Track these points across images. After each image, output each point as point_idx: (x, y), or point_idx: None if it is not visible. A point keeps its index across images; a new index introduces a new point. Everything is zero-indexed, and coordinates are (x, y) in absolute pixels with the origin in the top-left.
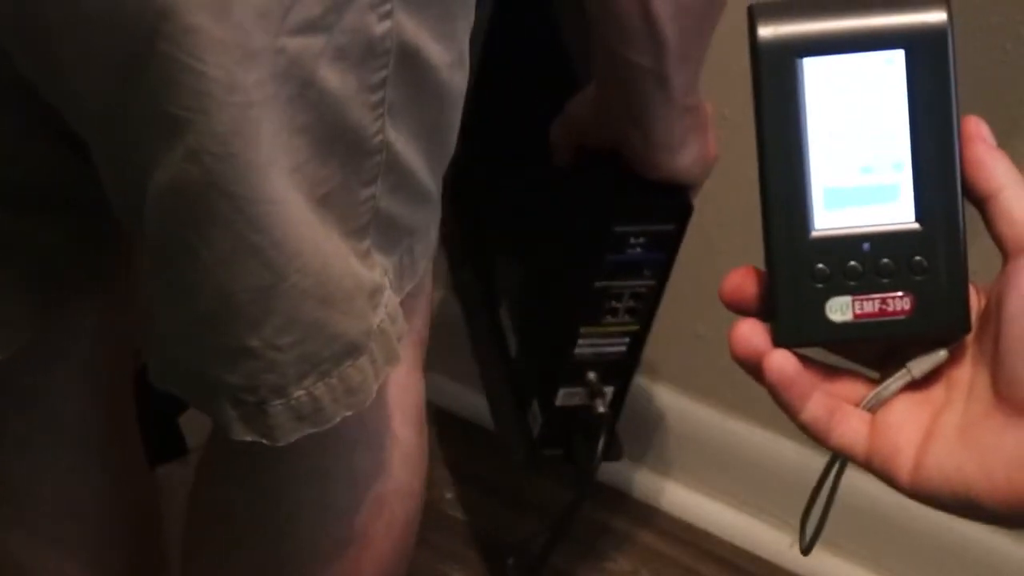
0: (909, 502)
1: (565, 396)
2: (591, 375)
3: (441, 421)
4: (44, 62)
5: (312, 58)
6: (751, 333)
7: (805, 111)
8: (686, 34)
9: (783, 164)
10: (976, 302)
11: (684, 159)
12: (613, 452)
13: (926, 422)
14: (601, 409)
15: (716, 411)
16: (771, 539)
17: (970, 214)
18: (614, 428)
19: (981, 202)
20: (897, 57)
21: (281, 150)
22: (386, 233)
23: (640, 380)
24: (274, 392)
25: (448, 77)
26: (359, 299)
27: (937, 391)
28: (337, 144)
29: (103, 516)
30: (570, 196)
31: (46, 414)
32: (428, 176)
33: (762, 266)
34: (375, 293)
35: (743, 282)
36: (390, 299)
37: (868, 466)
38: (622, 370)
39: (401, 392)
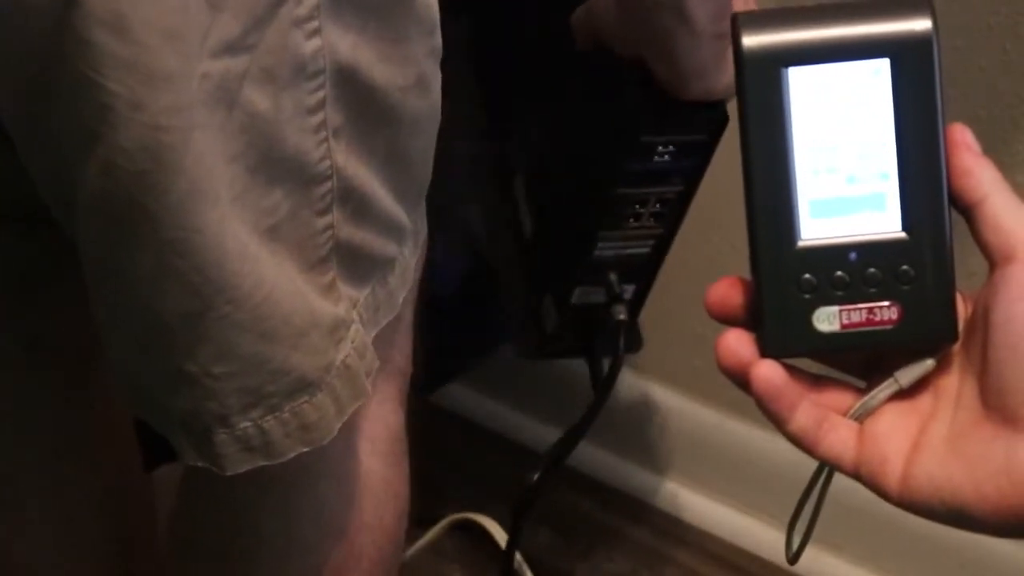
0: None
1: (581, 294)
2: (612, 276)
3: (438, 421)
4: None
5: (236, 80)
6: (738, 344)
7: (790, 121)
8: None
9: (768, 174)
10: (963, 311)
11: (718, 83)
12: (634, 343)
13: (914, 432)
14: (621, 316)
15: (716, 411)
16: (771, 539)
17: (956, 223)
18: (635, 324)
19: (967, 210)
20: (882, 66)
21: (216, 179)
22: (352, 265)
23: (640, 380)
24: (218, 421)
25: (400, 100)
26: (314, 335)
27: (925, 400)
28: (277, 171)
29: (99, 520)
30: (596, 94)
31: (39, 420)
32: (394, 204)
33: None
34: (337, 328)
35: (729, 292)
36: (357, 333)
37: (856, 476)
38: (644, 271)
39: (371, 424)
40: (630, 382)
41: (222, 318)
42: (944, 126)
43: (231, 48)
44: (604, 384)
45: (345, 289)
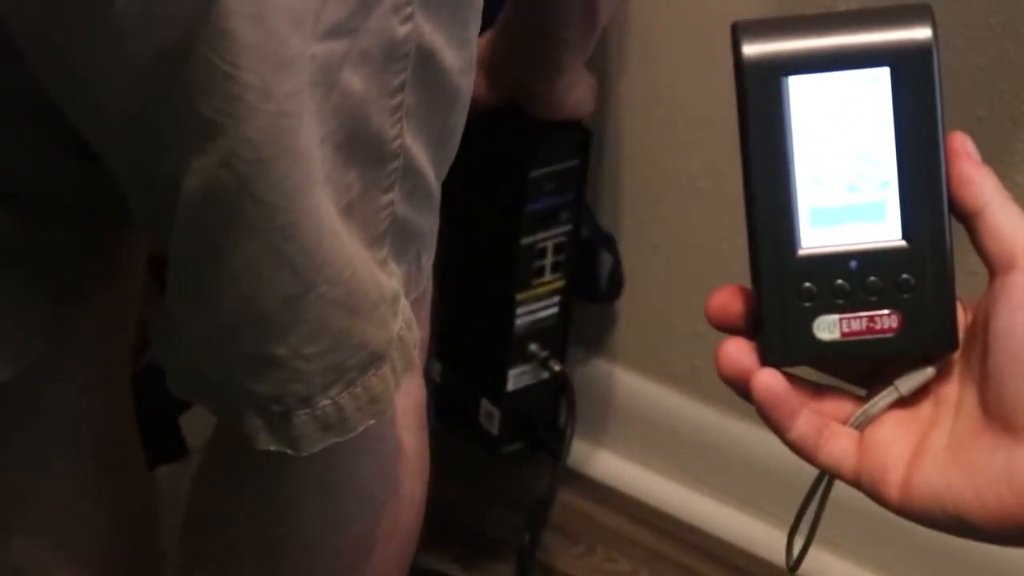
0: None
1: (516, 378)
2: (533, 347)
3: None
4: (66, 70)
5: (337, 63)
6: (738, 352)
7: (791, 129)
8: (609, 11)
9: (769, 183)
10: (963, 319)
11: (578, 95)
12: (574, 409)
13: (914, 440)
14: (556, 368)
15: (716, 411)
16: (771, 539)
17: (957, 231)
18: (572, 397)
19: (967, 219)
20: (882, 75)
21: (313, 160)
22: (400, 240)
23: (641, 380)
24: (301, 402)
25: (459, 82)
26: (383, 307)
27: (925, 408)
28: (359, 150)
29: (104, 520)
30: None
31: (47, 421)
32: (435, 181)
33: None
34: (395, 300)
35: (729, 301)
36: (405, 307)
37: (857, 484)
38: (558, 335)
39: (403, 398)
40: (631, 382)
41: (320, 297)
42: (944, 134)
43: (337, 31)
44: (555, 472)
45: (392, 264)
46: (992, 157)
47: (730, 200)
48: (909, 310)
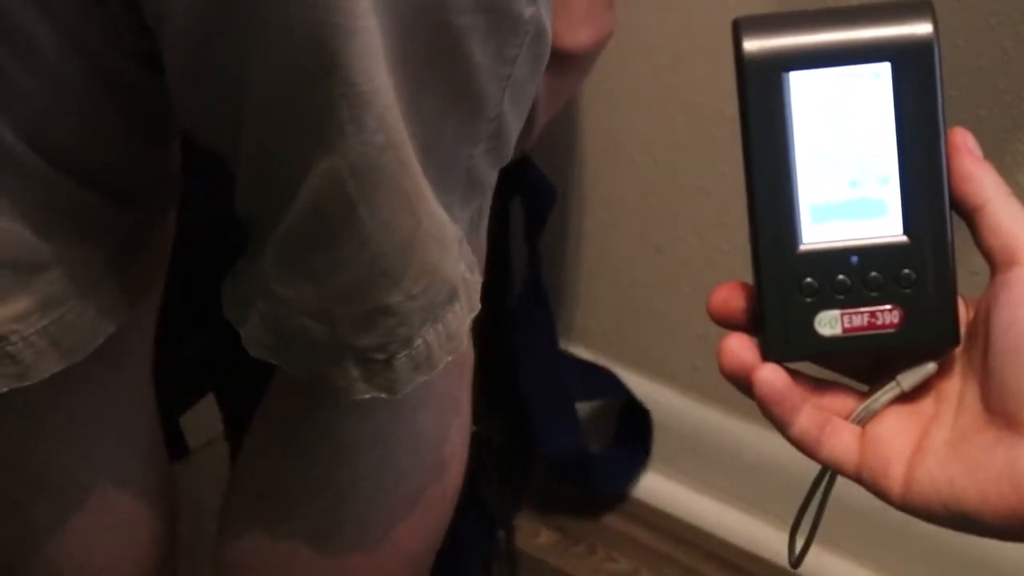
0: None
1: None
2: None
3: None
4: (214, 68)
5: (472, 33)
6: (740, 348)
7: (791, 125)
8: (547, 116)
9: (770, 178)
10: (964, 314)
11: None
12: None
13: (916, 435)
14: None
15: (716, 411)
16: (771, 539)
17: (958, 226)
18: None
19: (968, 214)
20: (883, 70)
21: (404, 98)
22: (468, 190)
23: (641, 380)
24: (402, 344)
25: (547, 56)
26: (454, 246)
27: (927, 404)
28: (462, 106)
29: (135, 509)
30: None
31: (85, 405)
32: (514, 140)
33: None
34: (460, 242)
35: (730, 297)
36: (467, 250)
37: (859, 479)
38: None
39: (461, 354)
40: (631, 382)
41: (424, 230)
42: (945, 130)
43: (472, 6)
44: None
45: (457, 211)
46: (992, 157)
47: (730, 200)
48: (910, 305)
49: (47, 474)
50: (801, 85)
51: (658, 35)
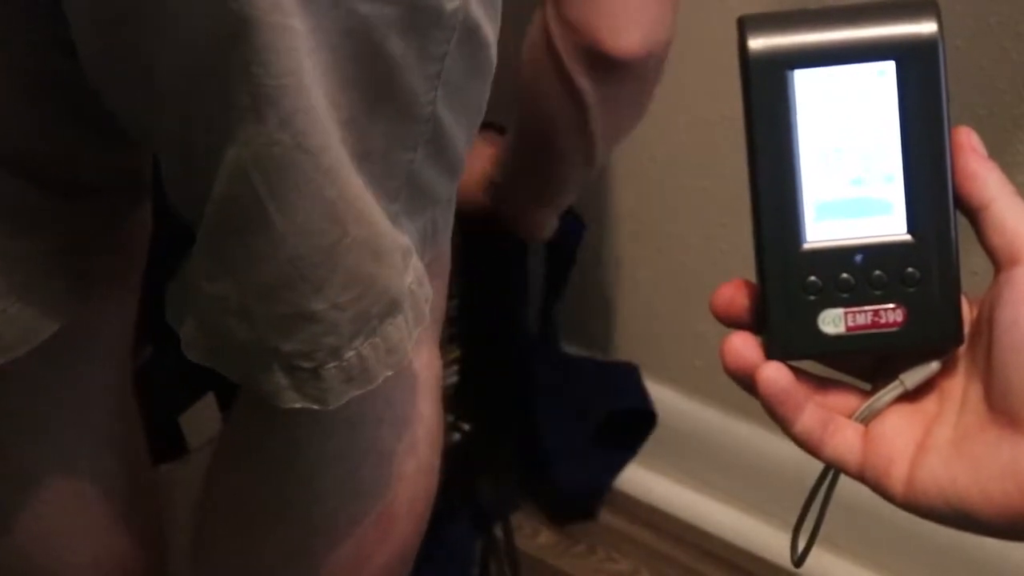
0: None
1: None
2: (447, 418)
3: None
4: (125, 54)
5: (385, 26)
6: (743, 346)
7: (796, 123)
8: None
9: (774, 176)
10: (968, 313)
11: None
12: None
13: (919, 434)
14: (466, 427)
15: (716, 411)
16: (771, 539)
17: (962, 225)
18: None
19: (973, 213)
20: (888, 68)
21: (333, 102)
22: (414, 199)
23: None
24: (331, 355)
25: (492, 55)
26: (397, 256)
27: (930, 403)
28: (388, 106)
29: (110, 505)
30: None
31: (58, 400)
32: (462, 148)
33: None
34: (407, 253)
35: (735, 295)
36: (417, 263)
37: (861, 478)
38: (463, 399)
39: (426, 370)
40: None
41: (353, 239)
42: (950, 129)
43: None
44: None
45: (404, 221)
46: (992, 157)
47: (730, 200)
48: (914, 304)
49: (18, 471)
50: (806, 83)
51: None
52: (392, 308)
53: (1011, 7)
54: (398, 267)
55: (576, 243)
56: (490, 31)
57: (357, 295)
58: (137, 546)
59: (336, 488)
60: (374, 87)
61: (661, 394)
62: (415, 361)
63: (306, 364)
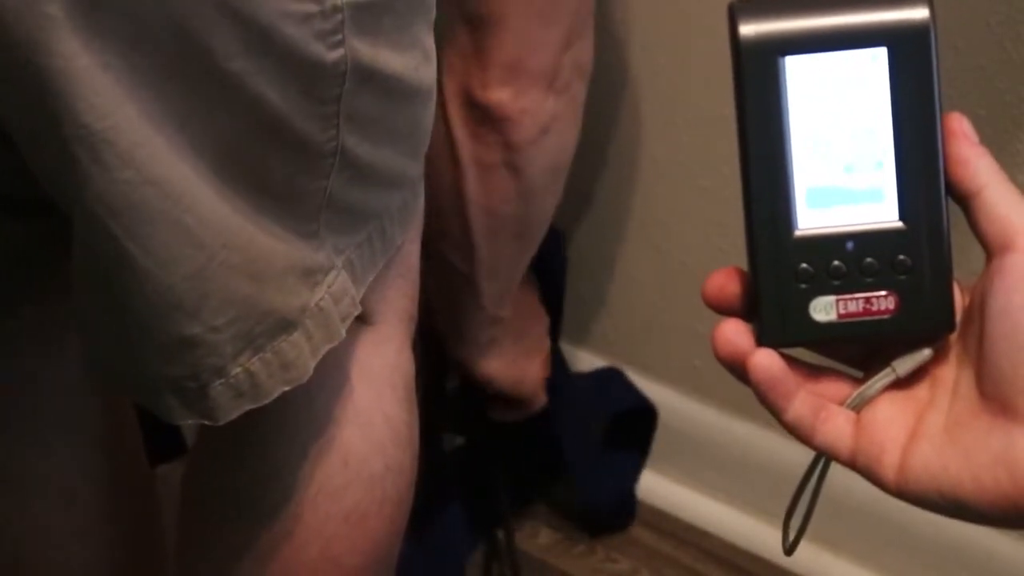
0: None
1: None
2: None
3: None
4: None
5: (259, 80)
6: (734, 333)
7: (787, 110)
8: (497, 251)
9: (765, 163)
10: (960, 300)
11: (489, 366)
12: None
13: (911, 421)
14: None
15: (716, 411)
16: (771, 539)
17: (954, 213)
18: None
19: (964, 200)
20: (880, 55)
21: (198, 136)
22: (343, 216)
23: (641, 380)
24: (214, 374)
25: (415, 77)
26: (291, 276)
27: (922, 390)
28: (276, 142)
29: (103, 505)
30: None
31: (47, 403)
32: (398, 161)
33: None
34: (313, 272)
35: (726, 282)
36: (335, 279)
37: (853, 465)
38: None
39: (390, 370)
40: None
41: (221, 263)
42: (941, 115)
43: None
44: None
45: (331, 238)
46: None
47: (730, 200)
48: (906, 291)
49: (8, 472)
50: (797, 70)
51: (658, 35)
52: (283, 327)
53: (1011, 7)
54: (290, 287)
55: (559, 257)
56: (399, 63)
57: (234, 317)
58: (130, 547)
59: (301, 488)
60: (256, 128)
61: (661, 394)
62: (377, 361)
63: (192, 384)
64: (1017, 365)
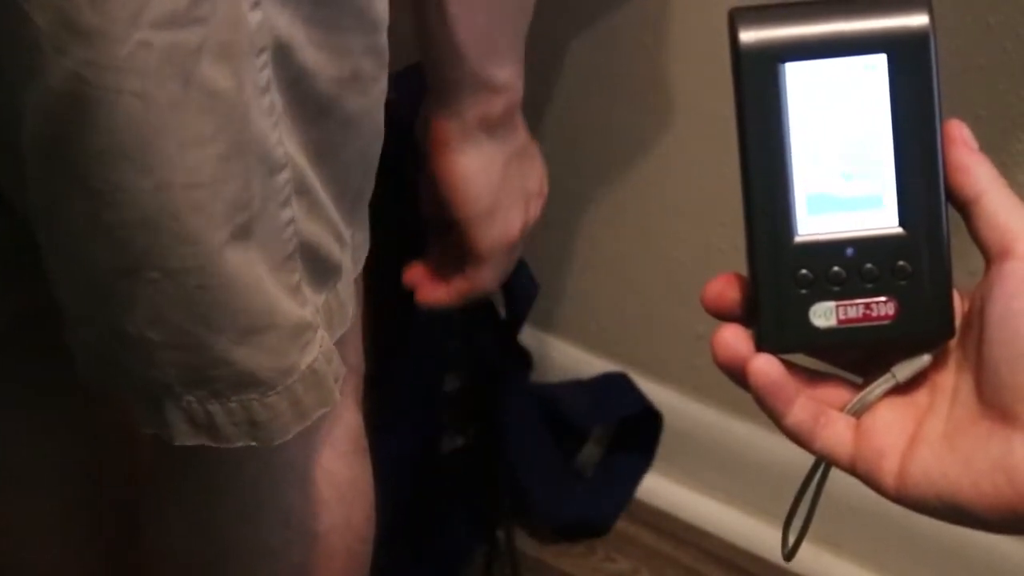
0: None
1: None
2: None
3: None
4: None
5: (190, 55)
6: (734, 339)
7: (787, 116)
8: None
9: (766, 169)
10: (959, 306)
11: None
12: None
13: (911, 427)
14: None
15: (716, 411)
16: (771, 539)
17: (954, 219)
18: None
19: (964, 206)
20: (879, 61)
21: (157, 154)
22: (312, 266)
23: (641, 380)
24: (163, 390)
25: (334, 91)
26: (271, 335)
27: (921, 396)
28: (248, 159)
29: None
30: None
31: (40, 403)
32: (331, 205)
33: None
34: (302, 331)
35: (725, 288)
36: (323, 339)
37: (853, 471)
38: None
39: (331, 425)
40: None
41: (151, 282)
42: (941, 122)
43: (176, 19)
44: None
45: (308, 293)
46: (992, 157)
47: (730, 200)
48: (905, 297)
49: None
50: (797, 76)
51: (657, 35)
52: (250, 384)
53: (1011, 7)
54: (270, 347)
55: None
56: (315, 57)
57: (169, 342)
58: (109, 566)
59: (242, 546)
60: (226, 137)
61: (661, 394)
62: (319, 420)
63: (146, 391)
64: (1017, 371)
